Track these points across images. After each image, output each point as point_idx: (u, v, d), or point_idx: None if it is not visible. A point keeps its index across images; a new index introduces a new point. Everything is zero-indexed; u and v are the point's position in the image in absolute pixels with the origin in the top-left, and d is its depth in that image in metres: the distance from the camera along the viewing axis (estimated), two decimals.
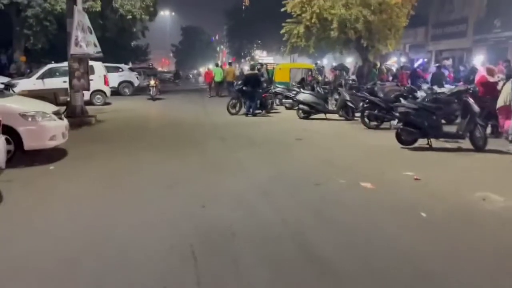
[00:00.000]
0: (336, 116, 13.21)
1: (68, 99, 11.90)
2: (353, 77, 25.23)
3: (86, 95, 17.17)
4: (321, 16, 15.50)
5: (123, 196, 5.22)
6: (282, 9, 16.97)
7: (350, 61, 27.84)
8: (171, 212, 4.62)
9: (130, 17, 20.58)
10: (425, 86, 11.78)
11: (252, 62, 15.05)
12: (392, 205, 4.94)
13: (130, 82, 23.29)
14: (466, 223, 4.45)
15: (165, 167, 6.72)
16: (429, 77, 18.77)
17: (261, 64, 24.42)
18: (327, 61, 30.62)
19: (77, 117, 11.49)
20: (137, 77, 24.78)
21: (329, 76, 25.26)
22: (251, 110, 13.91)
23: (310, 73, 20.40)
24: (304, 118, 13.24)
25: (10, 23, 21.38)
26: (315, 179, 6.02)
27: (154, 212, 4.61)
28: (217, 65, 25.55)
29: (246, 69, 37.51)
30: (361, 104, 11.49)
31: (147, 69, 34.02)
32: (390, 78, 19.78)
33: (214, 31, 79.16)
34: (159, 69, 70.82)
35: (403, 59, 39.17)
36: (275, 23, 41.91)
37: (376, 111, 11.09)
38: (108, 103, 18.10)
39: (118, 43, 28.76)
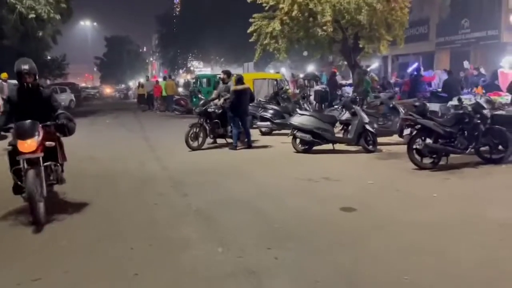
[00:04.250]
0: (341, 145, 9.16)
1: None
2: (319, 87, 21.68)
3: None
4: (304, 8, 11.33)
5: None
6: (249, 0, 12.59)
7: (311, 69, 24.26)
8: None
9: (33, 16, 15.04)
10: (482, 98, 7.97)
11: (236, 73, 10.51)
12: None
13: None
14: None
15: None
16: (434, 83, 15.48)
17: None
18: (284, 70, 26.77)
19: None
20: None
21: (290, 87, 21.43)
22: (246, 141, 9.72)
23: (276, 83, 16.39)
24: (304, 151, 8.94)
25: None
26: None
27: None
28: (164, 78, 24.70)
29: (181, 82, 32.71)
30: (407, 130, 7.41)
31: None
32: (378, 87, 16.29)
33: (142, 42, 72.92)
34: (82, 84, 63.08)
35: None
36: (213, 30, 37.70)
37: (431, 141, 7.09)
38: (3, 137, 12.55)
39: (24, 53, 22.60)
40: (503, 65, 12.12)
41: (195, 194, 5.94)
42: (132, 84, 47.03)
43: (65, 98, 26.71)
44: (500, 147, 7.34)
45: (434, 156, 7.15)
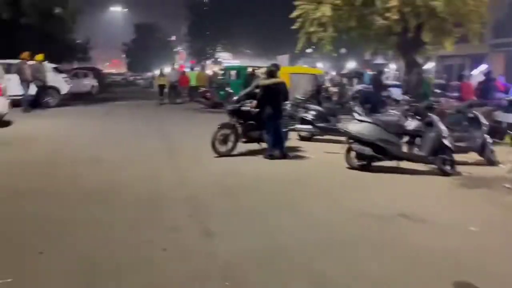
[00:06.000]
0: (406, 162, 7.12)
1: None
2: (360, 87, 19.69)
3: None
4: None
5: None
6: None
7: (350, 67, 22.14)
8: None
9: None
10: None
11: (270, 64, 8.19)
12: None
13: (55, 89, 16.15)
14: None
15: None
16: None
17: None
18: (322, 66, 24.61)
19: None
20: (66, 81, 17.61)
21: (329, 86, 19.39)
22: (278, 149, 7.72)
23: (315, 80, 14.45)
24: (361, 168, 6.99)
25: None
26: None
27: None
28: (192, 68, 23.49)
29: (209, 73, 30.93)
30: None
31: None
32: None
33: (171, 31, 71.56)
34: (111, 70, 62.31)
35: (393, 66, 34.22)
36: (244, 20, 35.81)
37: None
38: (6, 124, 11.06)
39: (47, 34, 21.27)
40: None
41: (223, 233, 4.10)
42: (158, 72, 45.55)
43: (87, 83, 25.49)
44: None
45: None
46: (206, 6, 42.23)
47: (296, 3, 10.75)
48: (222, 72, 22.63)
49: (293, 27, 11.14)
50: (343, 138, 9.80)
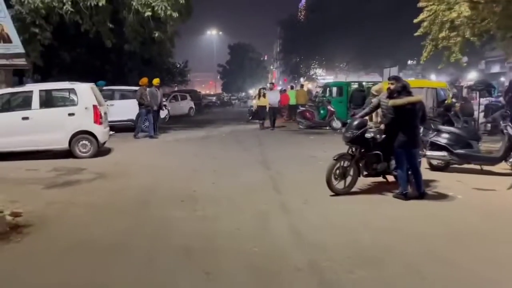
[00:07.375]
0: None
1: None
2: (486, 100, 17.01)
3: (65, 141, 10.01)
4: None
5: None
6: None
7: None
8: None
9: (150, 13, 13.34)
10: None
11: (392, 77, 6.47)
12: None
13: None
14: None
15: None
16: None
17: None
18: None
19: None
20: (165, 106, 17.51)
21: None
22: (414, 187, 6.14)
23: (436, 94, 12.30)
24: None
25: None
26: None
27: None
28: (292, 87, 23.17)
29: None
30: None
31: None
32: None
33: (264, 50, 72.50)
34: (207, 91, 64.52)
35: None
36: (340, 34, 34.08)
37: None
38: (106, 151, 10.78)
39: (148, 59, 21.85)
40: None
41: None
42: (253, 92, 45.40)
43: (184, 105, 25.77)
44: None
45: None
46: (301, 22, 41.41)
47: (422, 4, 8.90)
48: (322, 89, 21.17)
49: (416, 33, 9.28)
50: (491, 168, 7.82)
